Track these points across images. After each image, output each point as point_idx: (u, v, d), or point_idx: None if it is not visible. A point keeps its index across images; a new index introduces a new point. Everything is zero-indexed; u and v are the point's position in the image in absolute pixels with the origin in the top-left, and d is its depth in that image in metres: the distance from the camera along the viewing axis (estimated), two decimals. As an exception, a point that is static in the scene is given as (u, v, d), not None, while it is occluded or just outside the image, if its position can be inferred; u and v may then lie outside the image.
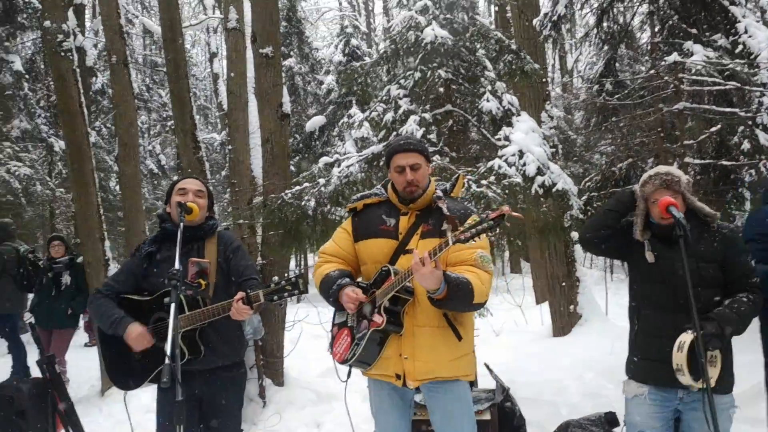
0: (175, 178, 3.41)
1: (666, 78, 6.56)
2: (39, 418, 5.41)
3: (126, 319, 3.06)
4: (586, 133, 10.48)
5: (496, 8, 13.16)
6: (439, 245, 2.63)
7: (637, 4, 8.72)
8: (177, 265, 2.80)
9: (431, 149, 5.32)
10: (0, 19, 14.75)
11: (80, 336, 10.73)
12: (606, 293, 10.01)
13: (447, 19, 6.13)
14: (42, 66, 16.71)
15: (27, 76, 15.21)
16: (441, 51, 5.56)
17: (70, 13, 7.52)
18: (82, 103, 7.40)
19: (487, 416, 4.16)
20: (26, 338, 8.06)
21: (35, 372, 5.83)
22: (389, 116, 5.60)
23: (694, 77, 6.37)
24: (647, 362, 3.00)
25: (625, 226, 3.13)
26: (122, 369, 3.18)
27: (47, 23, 7.21)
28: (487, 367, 4.93)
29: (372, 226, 3.08)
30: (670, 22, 8.21)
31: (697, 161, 7.15)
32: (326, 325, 8.67)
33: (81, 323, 9.50)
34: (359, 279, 3.14)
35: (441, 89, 5.92)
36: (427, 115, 5.41)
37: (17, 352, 7.79)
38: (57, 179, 16.23)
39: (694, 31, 7.44)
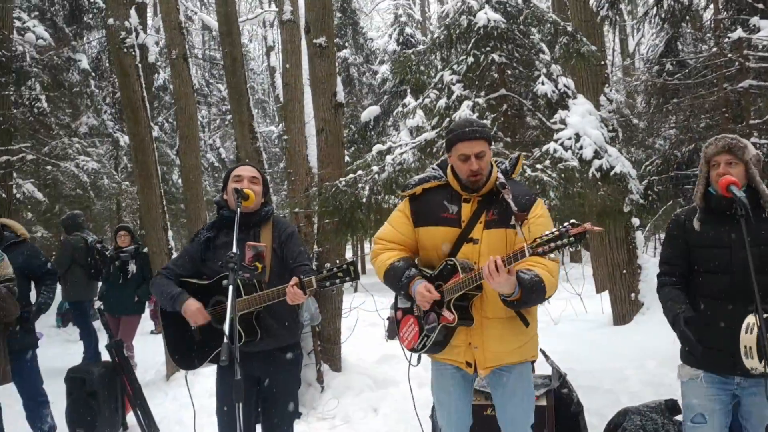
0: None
1: (730, 55, 6.30)
2: (109, 400, 5.67)
3: (184, 295, 3.17)
4: (647, 116, 10.15)
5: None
6: (514, 254, 2.58)
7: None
8: (234, 249, 2.88)
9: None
10: (67, 19, 15.36)
11: (146, 323, 11.15)
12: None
13: (500, 3, 6.03)
14: (107, 64, 17.35)
15: (93, 74, 15.79)
16: (494, 35, 5.49)
17: (133, 12, 7.75)
18: (144, 98, 7.64)
19: (543, 402, 4.12)
20: (97, 325, 8.43)
21: (106, 357, 6.09)
22: (442, 102, 5.58)
23: (761, 54, 6.09)
24: (703, 350, 2.89)
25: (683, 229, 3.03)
26: (183, 350, 3.29)
27: (111, 21, 7.47)
28: (543, 353, 4.87)
29: (433, 213, 3.01)
30: (735, -2, 7.86)
31: (765, 141, 6.85)
32: (382, 312, 8.77)
33: (147, 311, 9.87)
34: (420, 267, 3.09)
35: (495, 74, 5.85)
36: (480, 100, 5.36)
37: (88, 338, 8.14)
38: (123, 173, 16.87)
39: (760, 6, 7.10)
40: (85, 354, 8.11)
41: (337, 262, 2.94)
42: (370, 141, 17.09)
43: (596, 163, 4.99)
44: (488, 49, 5.52)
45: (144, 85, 7.70)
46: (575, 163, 4.88)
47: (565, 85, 5.54)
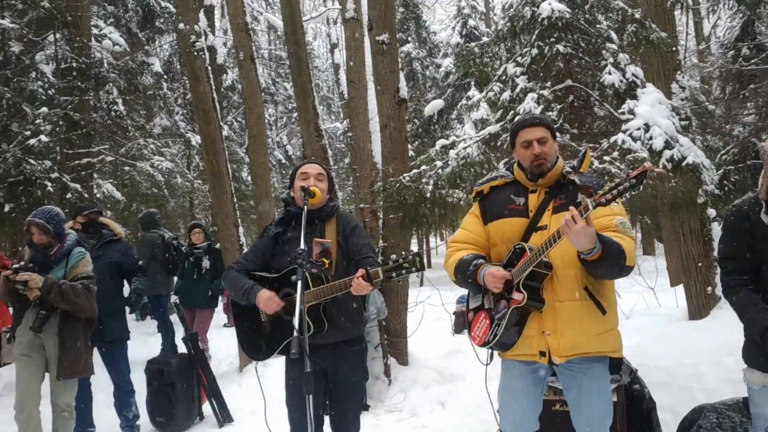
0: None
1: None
2: (186, 390, 5.91)
3: (256, 287, 3.28)
4: (723, 103, 9.73)
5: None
6: (579, 210, 2.56)
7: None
8: (302, 245, 2.96)
9: (551, 126, 5.21)
10: (140, 24, 15.98)
11: (220, 317, 11.51)
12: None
13: (565, -8, 5.91)
14: (178, 66, 17.93)
15: (165, 77, 16.35)
16: (559, 25, 5.39)
17: (201, 15, 8.01)
18: (214, 99, 7.88)
19: (614, 398, 4.03)
20: (173, 318, 8.78)
21: (182, 349, 6.35)
22: (506, 95, 5.52)
23: None
24: None
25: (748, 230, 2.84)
26: (254, 341, 3.41)
27: (181, 25, 7.73)
28: (614, 348, 4.77)
29: (500, 207, 3.07)
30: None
31: None
32: (448, 306, 8.75)
33: (220, 305, 10.19)
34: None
35: (560, 64, 5.75)
36: (545, 92, 5.27)
37: (166, 331, 8.49)
38: (195, 172, 17.42)
39: None
40: (163, 346, 8.46)
41: (403, 253, 2.98)
42: (433, 135, 17.07)
43: (667, 153, 4.83)
44: (553, 39, 5.42)
45: (213, 86, 7.94)
46: (645, 154, 4.74)
47: (633, 74, 5.38)
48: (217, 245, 8.08)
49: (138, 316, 13.63)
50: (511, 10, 6.36)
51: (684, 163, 4.84)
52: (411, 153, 8.53)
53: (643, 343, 7.03)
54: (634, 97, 5.17)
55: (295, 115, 22.23)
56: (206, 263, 8.01)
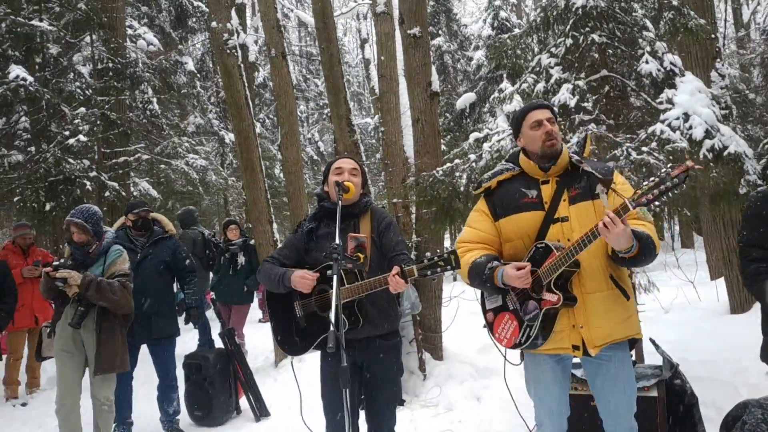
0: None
1: None
2: (223, 385, 5.99)
3: (288, 270, 3.27)
4: (765, 91, 9.46)
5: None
6: (616, 211, 2.54)
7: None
8: (337, 240, 2.96)
9: (587, 117, 5.12)
10: (173, 24, 16.19)
11: (255, 312, 11.63)
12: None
13: (599, -20, 5.80)
14: (211, 65, 18.14)
15: (198, 75, 16.56)
16: (593, 14, 5.28)
17: (233, 13, 8.08)
18: (247, 97, 7.94)
19: (654, 393, 3.97)
20: (209, 314, 8.89)
21: (219, 344, 6.43)
22: (540, 86, 5.44)
23: None
24: None
25: None
26: (289, 336, 3.42)
27: (214, 24, 7.81)
28: (653, 342, 4.68)
29: (513, 201, 2.98)
30: None
31: None
32: (483, 301, 8.62)
33: (255, 300, 10.30)
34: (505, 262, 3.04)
35: (595, 54, 5.64)
36: (581, 83, 5.18)
37: (203, 326, 8.61)
38: (228, 169, 17.62)
39: None
40: (200, 341, 8.57)
41: (438, 251, 2.95)
42: (466, 129, 16.96)
43: (707, 143, 4.71)
44: (587, 29, 5.32)
45: (246, 84, 8.00)
46: (684, 144, 4.62)
47: (671, 63, 5.25)
48: (252, 241, 8.15)
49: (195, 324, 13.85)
50: (544, 0, 6.26)
51: (725, 153, 4.71)
52: (443, 147, 8.49)
53: (683, 337, 6.89)
54: (673, 86, 5.05)
55: (326, 111, 22.32)
56: (241, 259, 8.09)
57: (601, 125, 5.13)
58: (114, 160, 11.23)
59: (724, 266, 8.59)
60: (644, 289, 5.83)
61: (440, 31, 22.02)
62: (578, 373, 3.97)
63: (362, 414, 3.40)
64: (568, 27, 5.43)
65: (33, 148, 10.59)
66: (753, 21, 18.99)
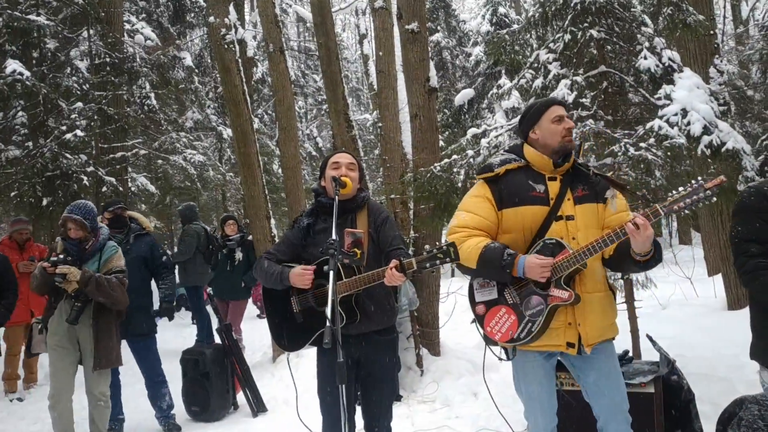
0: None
1: None
2: (221, 380, 5.99)
3: (287, 268, 3.26)
4: (763, 87, 9.46)
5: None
6: (646, 215, 2.61)
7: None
8: (334, 236, 2.95)
9: (585, 113, 5.12)
10: (171, 19, 16.16)
11: (253, 307, 11.63)
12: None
13: (598, -24, 5.78)
14: (209, 60, 18.10)
15: (196, 71, 16.52)
16: (592, 10, 5.27)
17: (231, 8, 8.04)
18: (245, 92, 7.92)
19: (651, 389, 3.97)
20: (210, 309, 8.88)
21: (218, 340, 6.42)
22: (538, 82, 5.43)
23: None
24: None
25: None
26: (286, 332, 3.41)
27: (212, 19, 7.78)
28: (650, 339, 4.68)
29: (521, 193, 2.95)
30: None
31: None
32: (480, 297, 8.60)
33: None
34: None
35: (594, 50, 5.63)
36: (579, 78, 5.17)
37: (202, 321, 8.60)
38: (226, 164, 17.61)
39: None
40: (198, 337, 8.57)
41: (437, 243, 2.93)
42: (464, 124, 16.92)
43: (705, 139, 4.69)
44: (586, 24, 5.31)
45: (244, 79, 7.98)
46: (682, 140, 4.61)
47: (669, 59, 5.24)
48: (250, 237, 8.14)
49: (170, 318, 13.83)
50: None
51: (723, 149, 4.70)
52: (441, 143, 8.47)
53: (680, 333, 6.90)
54: (671, 82, 5.04)
55: (324, 107, 22.27)
56: (239, 255, 8.08)
57: (599, 121, 5.12)
58: (111, 156, 11.23)
59: (722, 263, 8.60)
60: (642, 285, 5.83)
61: (439, 27, 21.96)
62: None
63: (359, 409, 3.40)
64: (567, 22, 5.41)
65: (30, 143, 10.58)
66: (752, 17, 18.99)
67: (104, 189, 10.40)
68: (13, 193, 10.12)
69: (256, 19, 17.42)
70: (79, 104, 10.35)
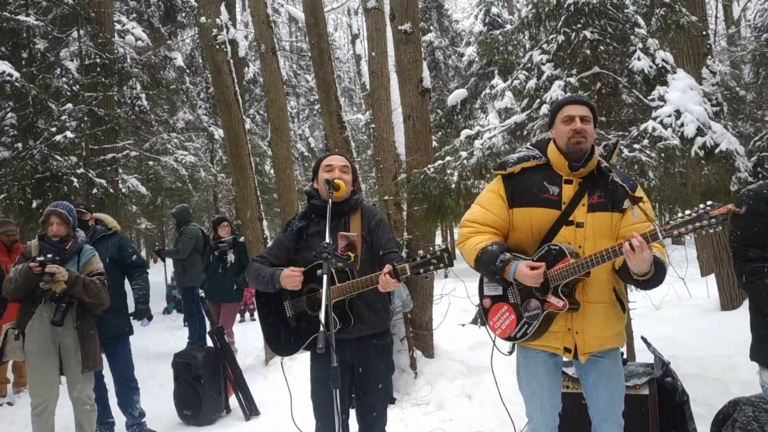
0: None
1: None
2: (213, 383, 5.94)
3: (278, 270, 3.22)
4: (755, 88, 9.48)
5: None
6: (644, 236, 2.52)
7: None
8: (327, 239, 2.92)
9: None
10: (162, 19, 16.08)
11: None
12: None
13: (591, -24, 5.77)
14: (200, 60, 18.04)
15: (188, 71, 16.46)
16: (585, 11, 5.26)
17: (222, 8, 8.00)
18: (237, 93, 7.87)
19: (645, 391, 3.96)
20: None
21: (210, 343, 6.37)
22: (532, 83, 5.41)
23: None
24: None
25: None
26: (279, 337, 3.38)
27: (203, 19, 7.72)
28: (645, 340, 4.68)
29: (532, 194, 2.90)
30: None
31: None
32: (474, 299, 8.64)
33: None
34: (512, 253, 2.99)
35: (587, 51, 5.62)
36: (572, 80, 5.15)
37: (198, 322, 8.53)
38: (218, 165, 17.55)
39: None
40: (190, 339, 8.51)
41: (431, 249, 2.90)
42: (457, 125, 16.91)
43: (699, 140, 4.69)
44: (579, 25, 5.30)
45: (235, 80, 7.93)
46: (676, 141, 4.61)
47: (663, 60, 5.23)
48: (242, 239, 8.09)
49: (171, 309, 13.78)
50: (535, -4, 6.22)
51: (717, 150, 4.70)
52: (434, 144, 8.45)
53: (674, 334, 6.91)
54: (664, 83, 5.03)
55: (317, 107, 22.24)
56: (231, 257, 8.03)
57: (593, 122, 5.10)
58: (102, 157, 11.15)
59: (715, 263, 8.62)
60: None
61: (431, 27, 21.99)
62: (569, 371, 3.96)
63: (352, 413, 3.37)
64: (560, 23, 5.40)
65: (20, 145, 10.49)
66: (743, 18, 19.07)
67: (94, 191, 10.32)
68: (2, 196, 10.02)
69: (247, 18, 17.36)
70: (69, 105, 10.26)
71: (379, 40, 8.10)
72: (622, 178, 2.84)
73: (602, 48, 5.57)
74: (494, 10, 20.92)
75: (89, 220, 5.53)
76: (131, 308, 5.59)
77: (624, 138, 4.82)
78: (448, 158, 5.57)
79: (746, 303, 8.15)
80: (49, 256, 4.35)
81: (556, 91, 5.02)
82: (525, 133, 5.42)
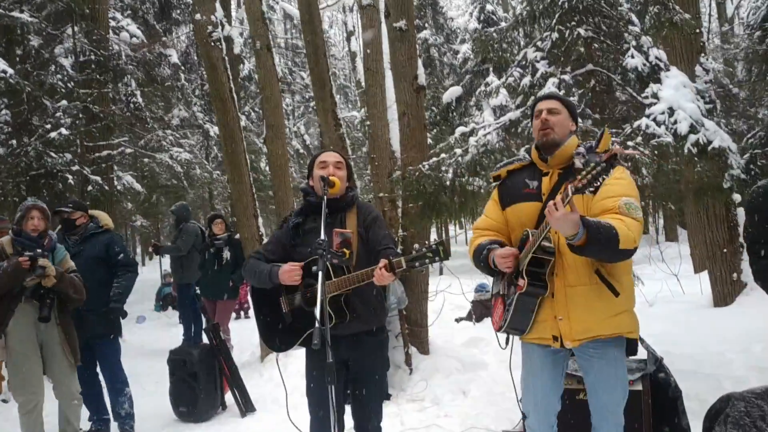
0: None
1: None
2: (208, 380, 5.95)
3: (275, 266, 3.23)
4: (748, 85, 9.52)
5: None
6: (561, 196, 2.54)
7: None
8: (323, 236, 2.93)
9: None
10: (157, 16, 16.03)
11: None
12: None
13: (585, -26, 5.79)
14: (195, 57, 17.98)
15: (183, 68, 16.40)
16: (579, 8, 5.29)
17: (218, 5, 7.98)
18: (232, 90, 7.85)
19: (638, 387, 3.99)
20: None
21: (206, 340, 6.37)
22: (526, 80, 5.44)
23: None
24: None
25: None
26: (275, 333, 3.39)
27: (198, 16, 7.70)
28: (639, 337, 4.70)
29: (516, 191, 3.07)
30: None
31: None
32: (468, 295, 8.68)
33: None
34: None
35: (581, 48, 5.65)
36: (566, 77, 5.19)
37: (193, 319, 8.52)
38: (213, 162, 17.52)
39: None
40: (185, 336, 8.51)
41: (426, 242, 2.94)
42: (452, 122, 16.85)
43: (692, 138, 4.73)
44: (573, 23, 5.33)
45: (231, 77, 7.92)
46: (669, 138, 4.65)
47: (656, 57, 5.27)
48: (238, 236, 8.09)
49: (158, 308, 13.77)
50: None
51: (710, 148, 4.74)
52: (429, 141, 8.46)
53: (667, 330, 6.95)
54: (658, 80, 5.07)
55: (312, 104, 22.21)
56: (227, 254, 8.03)
57: (586, 119, 5.14)
58: (97, 154, 11.11)
59: (708, 259, 8.66)
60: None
61: (426, 24, 21.97)
62: (570, 369, 3.98)
63: (348, 409, 3.39)
64: (554, 21, 5.43)
65: (14, 142, 10.43)
66: (737, 16, 19.15)
67: (89, 188, 10.30)
68: (-4, 193, 10.01)
69: (242, 15, 17.30)
70: (64, 102, 10.24)
71: (373, 37, 8.11)
72: (593, 159, 2.82)
73: (596, 45, 5.60)
74: (489, 7, 20.95)
75: (79, 218, 5.45)
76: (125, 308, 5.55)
77: (618, 135, 4.85)
78: (443, 155, 5.60)
79: (739, 300, 8.24)
80: (39, 250, 4.32)
81: (550, 88, 5.05)
82: (519, 130, 5.45)
